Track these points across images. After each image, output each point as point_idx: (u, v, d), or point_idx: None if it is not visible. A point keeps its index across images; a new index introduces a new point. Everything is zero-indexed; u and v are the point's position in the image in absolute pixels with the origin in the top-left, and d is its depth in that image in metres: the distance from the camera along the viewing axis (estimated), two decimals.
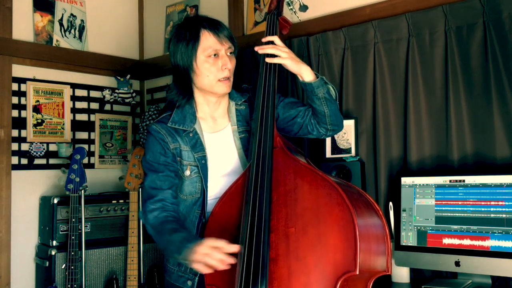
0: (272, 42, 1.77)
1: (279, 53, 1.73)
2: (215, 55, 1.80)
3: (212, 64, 1.80)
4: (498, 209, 1.93)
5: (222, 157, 1.89)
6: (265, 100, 1.73)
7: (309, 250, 1.51)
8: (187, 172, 1.86)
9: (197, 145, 1.86)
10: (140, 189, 2.98)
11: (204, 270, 1.57)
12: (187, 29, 1.82)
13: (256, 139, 1.69)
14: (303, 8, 1.97)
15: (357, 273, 1.44)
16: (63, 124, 3.27)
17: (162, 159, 1.85)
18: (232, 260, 1.54)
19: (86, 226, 2.93)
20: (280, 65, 1.77)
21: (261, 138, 1.68)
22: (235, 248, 1.54)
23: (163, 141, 1.85)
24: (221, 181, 1.87)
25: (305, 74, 1.77)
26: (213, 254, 1.53)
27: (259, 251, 1.54)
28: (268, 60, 1.76)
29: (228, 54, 1.83)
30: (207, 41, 1.80)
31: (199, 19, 1.85)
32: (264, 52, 1.76)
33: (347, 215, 1.48)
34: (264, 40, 1.79)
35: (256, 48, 1.77)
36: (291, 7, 1.95)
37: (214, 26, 1.82)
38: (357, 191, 1.66)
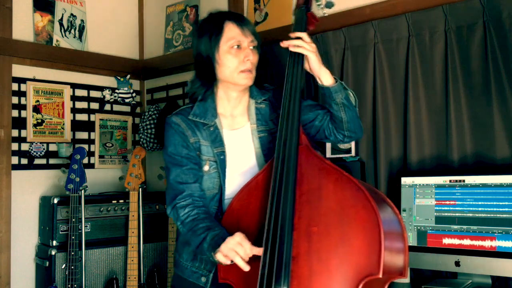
0: (299, 39, 1.73)
1: (306, 46, 1.70)
2: (238, 46, 1.80)
3: (235, 55, 1.80)
4: (498, 209, 1.93)
5: (240, 155, 1.88)
6: (291, 95, 1.70)
7: (332, 251, 1.49)
8: (206, 167, 1.85)
9: (217, 140, 1.85)
10: (141, 188, 2.99)
11: (226, 262, 1.58)
12: (211, 22, 1.83)
13: (282, 135, 1.66)
14: (329, 4, 1.91)
15: (380, 276, 1.41)
16: (63, 124, 3.27)
17: (184, 152, 1.83)
18: (248, 266, 1.54)
19: (86, 226, 2.93)
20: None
21: (286, 134, 1.65)
22: (258, 251, 1.54)
23: (183, 134, 1.84)
24: (238, 179, 1.85)
25: (324, 77, 1.74)
26: (238, 250, 1.54)
27: (282, 249, 1.52)
28: (292, 48, 1.71)
29: (251, 48, 1.83)
30: (231, 32, 1.80)
31: (224, 12, 1.87)
32: (290, 45, 1.72)
33: (373, 218, 1.45)
34: (292, 35, 1.75)
35: (281, 44, 1.74)
36: (319, 2, 1.88)
37: (238, 18, 1.83)
38: (374, 189, 1.63)
